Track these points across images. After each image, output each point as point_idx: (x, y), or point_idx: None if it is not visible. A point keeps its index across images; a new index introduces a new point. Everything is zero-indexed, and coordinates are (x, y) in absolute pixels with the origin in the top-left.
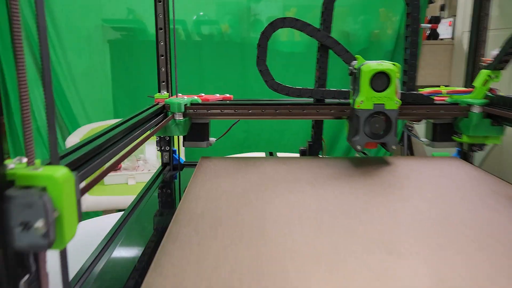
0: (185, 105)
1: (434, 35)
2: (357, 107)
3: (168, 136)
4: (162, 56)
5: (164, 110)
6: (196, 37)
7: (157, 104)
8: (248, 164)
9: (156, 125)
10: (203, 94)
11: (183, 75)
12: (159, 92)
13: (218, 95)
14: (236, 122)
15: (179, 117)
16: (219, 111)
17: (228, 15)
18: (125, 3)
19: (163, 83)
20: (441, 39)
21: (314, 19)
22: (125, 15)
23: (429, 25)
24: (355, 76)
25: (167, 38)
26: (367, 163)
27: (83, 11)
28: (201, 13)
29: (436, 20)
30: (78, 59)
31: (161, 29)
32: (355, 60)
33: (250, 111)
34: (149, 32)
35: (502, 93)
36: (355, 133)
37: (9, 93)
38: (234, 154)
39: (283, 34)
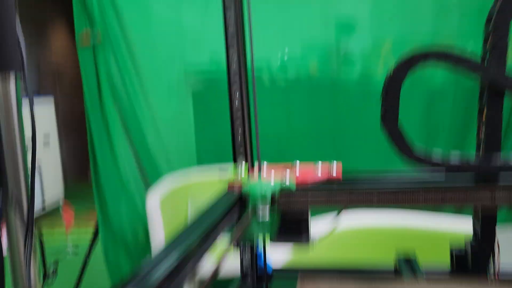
0: (273, 193)
1: None
2: None
3: None
4: (239, 111)
5: (241, 198)
6: (281, 80)
7: (231, 192)
8: None
9: (232, 224)
10: (297, 163)
11: (266, 124)
12: (235, 161)
13: (319, 166)
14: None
15: (263, 212)
16: (323, 198)
17: (314, 52)
18: (210, 46)
19: (241, 150)
20: None
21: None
22: (209, 60)
23: None
24: None
25: (244, 85)
26: None
27: (166, 58)
28: (286, 53)
29: None
30: (161, 107)
31: (237, 74)
32: None
33: (376, 198)
34: None
35: None
36: None
37: (97, 152)
38: None
39: (378, 71)
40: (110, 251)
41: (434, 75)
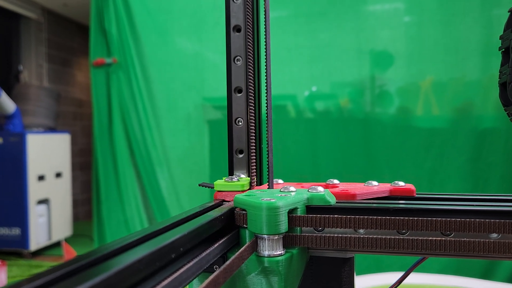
0: (292, 210)
1: None
2: None
3: None
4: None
5: (233, 224)
6: (309, 113)
7: (216, 206)
8: None
9: (198, 267)
10: (336, 182)
11: (292, 160)
12: (231, 174)
13: (375, 183)
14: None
15: (273, 251)
16: (390, 247)
17: (347, 87)
18: None
19: (240, 163)
20: None
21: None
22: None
23: None
24: None
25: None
26: None
27: (184, 89)
28: (314, 89)
29: None
30: (175, 142)
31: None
32: None
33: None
34: None
35: None
36: None
37: (101, 184)
38: None
39: (418, 108)
40: None
41: (484, 114)
